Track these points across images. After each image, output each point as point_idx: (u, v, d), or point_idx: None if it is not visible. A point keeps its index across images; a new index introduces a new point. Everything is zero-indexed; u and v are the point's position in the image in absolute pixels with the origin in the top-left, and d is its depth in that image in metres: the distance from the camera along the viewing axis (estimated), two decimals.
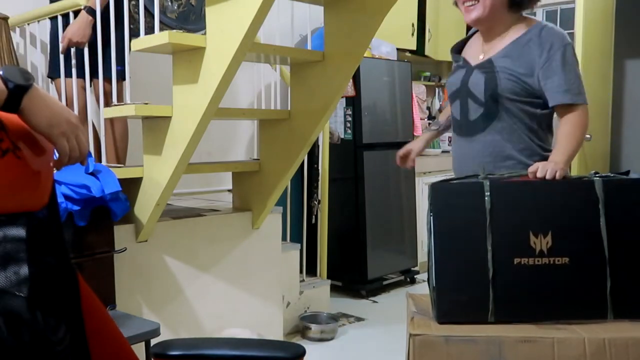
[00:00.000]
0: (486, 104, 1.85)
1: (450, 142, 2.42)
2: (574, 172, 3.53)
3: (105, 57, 2.58)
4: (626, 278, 1.44)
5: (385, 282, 4.34)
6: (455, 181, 1.58)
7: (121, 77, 2.63)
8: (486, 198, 1.46)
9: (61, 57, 2.72)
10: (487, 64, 1.86)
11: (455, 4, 1.94)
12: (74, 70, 2.70)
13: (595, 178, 1.48)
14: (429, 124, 1.97)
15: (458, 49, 2.06)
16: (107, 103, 2.65)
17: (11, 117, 0.89)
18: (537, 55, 1.78)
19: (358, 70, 3.86)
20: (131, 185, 2.48)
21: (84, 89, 2.71)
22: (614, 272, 1.43)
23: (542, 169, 1.58)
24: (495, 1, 1.81)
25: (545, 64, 1.77)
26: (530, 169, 1.61)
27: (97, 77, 2.60)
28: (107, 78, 2.63)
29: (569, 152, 1.72)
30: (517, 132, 1.84)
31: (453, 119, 1.99)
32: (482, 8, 1.82)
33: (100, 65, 2.57)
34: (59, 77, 2.77)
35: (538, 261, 1.44)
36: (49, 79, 3.00)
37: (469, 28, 1.98)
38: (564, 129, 1.78)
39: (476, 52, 1.95)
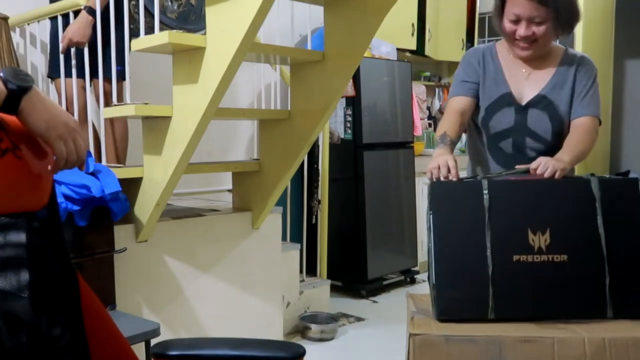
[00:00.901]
0: (550, 140, 1.87)
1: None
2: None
3: (105, 57, 2.58)
4: (624, 274, 1.45)
5: (385, 282, 4.34)
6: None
7: (121, 77, 2.63)
8: (484, 196, 1.47)
9: (61, 57, 2.72)
10: (542, 100, 1.86)
11: (500, 31, 1.88)
12: (73, 70, 2.70)
13: (590, 177, 1.50)
14: (441, 139, 1.80)
15: (476, 63, 1.95)
16: (107, 103, 2.65)
17: (11, 117, 0.90)
18: (581, 85, 1.86)
19: (358, 70, 3.86)
20: (131, 185, 2.48)
21: (84, 89, 2.72)
22: (612, 269, 1.44)
23: (543, 166, 1.58)
24: (549, 37, 1.82)
25: (583, 89, 1.86)
26: (533, 165, 1.61)
27: (97, 77, 2.60)
28: (107, 78, 2.63)
29: (576, 154, 1.73)
30: None
31: (500, 153, 1.93)
32: (539, 49, 1.83)
33: (100, 65, 2.57)
34: (59, 77, 2.77)
35: (537, 258, 1.45)
36: (49, 79, 3.00)
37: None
38: (577, 133, 1.81)
39: (519, 76, 1.90)
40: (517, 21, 1.78)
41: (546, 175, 1.57)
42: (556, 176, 1.57)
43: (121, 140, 2.88)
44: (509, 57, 1.92)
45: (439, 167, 1.60)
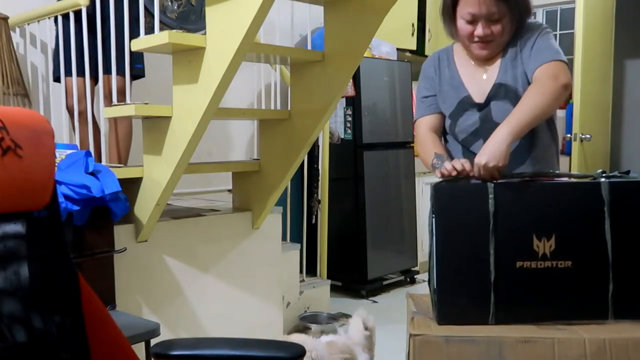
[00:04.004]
0: None
1: None
2: (575, 172, 3.52)
3: (124, 54, 2.56)
4: (629, 282, 1.42)
5: (385, 282, 4.34)
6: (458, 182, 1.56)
7: (141, 74, 2.64)
8: (490, 200, 1.43)
9: (61, 57, 2.71)
10: (499, 88, 1.72)
11: (452, 35, 1.77)
12: (74, 70, 2.69)
13: (601, 180, 1.45)
14: (438, 159, 1.69)
15: (432, 72, 1.84)
16: (122, 100, 2.64)
17: (11, 116, 0.89)
18: (526, 48, 1.70)
19: (358, 70, 3.86)
20: (131, 185, 2.48)
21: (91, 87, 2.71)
22: (616, 276, 1.42)
23: (483, 169, 1.49)
24: (507, 35, 1.70)
25: (528, 47, 1.70)
26: (476, 160, 1.51)
27: (118, 74, 2.60)
28: (123, 76, 2.62)
29: (520, 120, 1.53)
30: (548, 153, 1.74)
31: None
32: (498, 47, 1.71)
33: (127, 62, 2.55)
34: (69, 76, 2.74)
35: (540, 264, 1.42)
36: (52, 79, 2.98)
37: None
38: (530, 88, 1.61)
39: (477, 76, 1.78)
40: (473, 21, 1.66)
41: (490, 178, 1.49)
42: (491, 175, 1.48)
43: (124, 139, 2.87)
44: (466, 58, 1.80)
45: (453, 167, 1.53)
